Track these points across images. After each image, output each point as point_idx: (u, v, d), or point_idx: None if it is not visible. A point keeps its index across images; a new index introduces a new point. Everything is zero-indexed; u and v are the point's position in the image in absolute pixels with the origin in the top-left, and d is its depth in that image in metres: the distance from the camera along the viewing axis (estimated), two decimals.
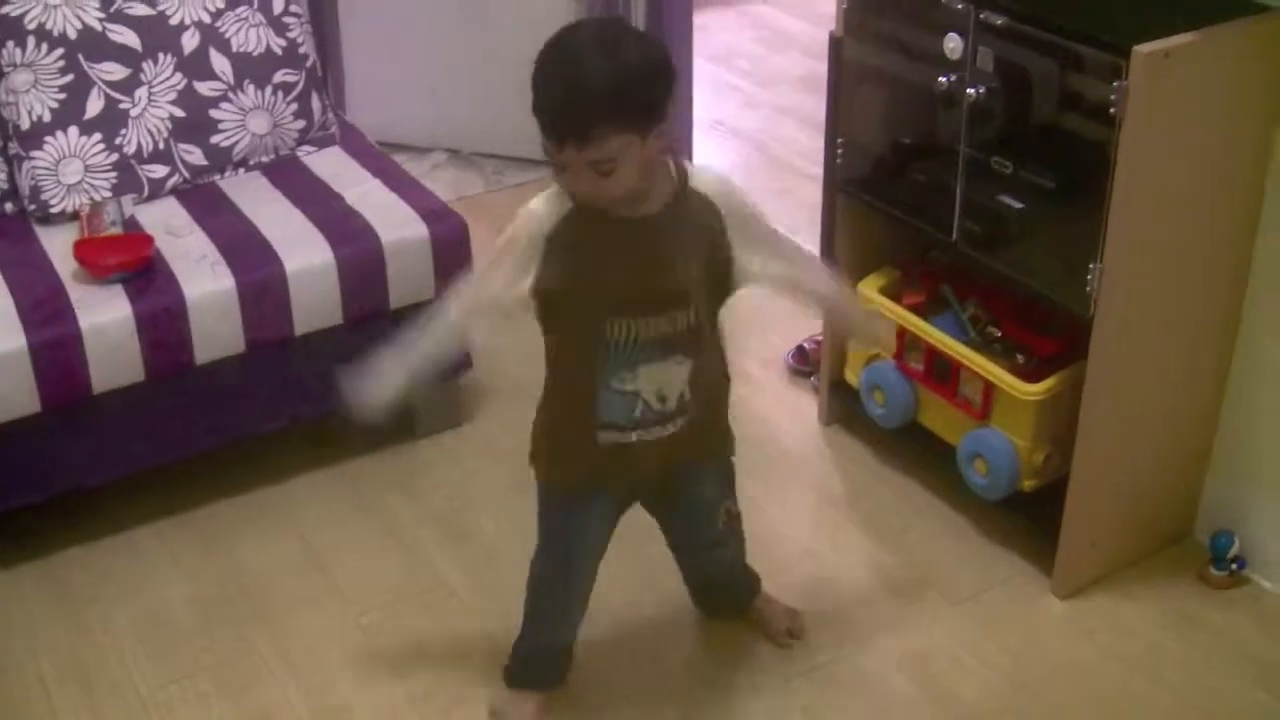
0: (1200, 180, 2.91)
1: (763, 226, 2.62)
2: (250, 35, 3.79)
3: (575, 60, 2.33)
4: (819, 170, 3.58)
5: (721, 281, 2.58)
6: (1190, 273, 3.02)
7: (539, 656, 2.95)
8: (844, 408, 3.73)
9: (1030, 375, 3.18)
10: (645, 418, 2.60)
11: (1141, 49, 2.66)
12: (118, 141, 3.65)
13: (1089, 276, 2.87)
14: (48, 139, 3.60)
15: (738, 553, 3.06)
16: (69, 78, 3.62)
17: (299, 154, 3.91)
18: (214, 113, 3.75)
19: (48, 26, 3.60)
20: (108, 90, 3.65)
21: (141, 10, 3.70)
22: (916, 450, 3.57)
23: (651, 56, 2.35)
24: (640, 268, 2.50)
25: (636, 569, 3.12)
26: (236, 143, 3.78)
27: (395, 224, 3.55)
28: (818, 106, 3.62)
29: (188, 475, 3.57)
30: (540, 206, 2.51)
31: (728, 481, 2.92)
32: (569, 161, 2.33)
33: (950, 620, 3.19)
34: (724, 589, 3.14)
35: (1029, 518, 3.31)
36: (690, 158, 5.17)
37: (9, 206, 3.66)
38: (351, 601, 3.28)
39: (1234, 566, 3.23)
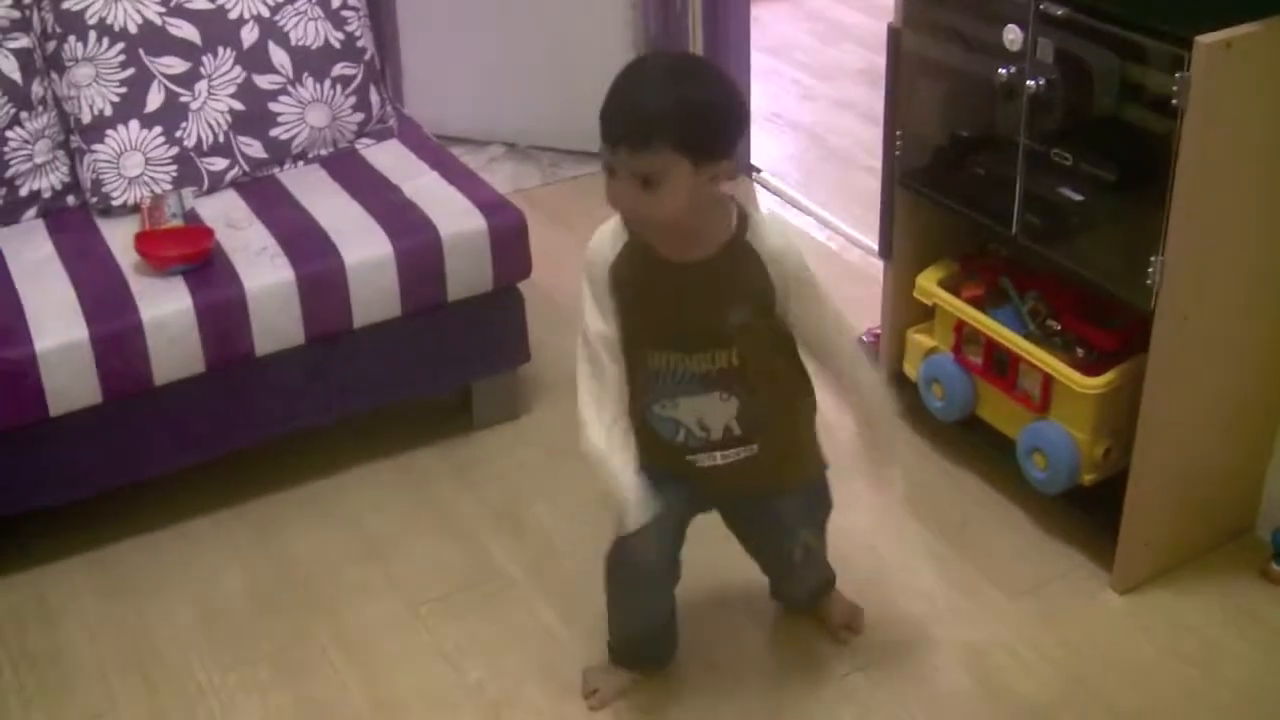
0: (1263, 172, 2.89)
1: (814, 298, 2.61)
2: (309, 29, 3.80)
3: (647, 77, 2.44)
4: (877, 163, 3.57)
5: (781, 327, 2.62)
6: (1252, 266, 2.99)
7: (624, 639, 3.01)
8: (903, 401, 3.72)
9: (1090, 369, 3.16)
10: (691, 444, 2.67)
11: (1203, 39, 2.64)
12: (178, 135, 3.67)
13: (1150, 270, 2.85)
14: (109, 132, 3.62)
15: (813, 575, 3.04)
16: (130, 71, 3.64)
17: (357, 147, 3.93)
18: (273, 106, 3.77)
19: (109, 21, 3.63)
20: (168, 84, 3.67)
21: (201, 4, 3.72)
22: (975, 444, 3.56)
23: (721, 95, 2.44)
24: (679, 310, 2.57)
25: (701, 559, 3.11)
26: (295, 136, 3.80)
27: (453, 216, 3.55)
28: (875, 99, 3.61)
29: (244, 466, 3.59)
30: (603, 241, 2.60)
31: (808, 512, 2.91)
32: (618, 166, 2.39)
33: (1008, 614, 3.18)
34: (798, 598, 3.14)
35: (1088, 512, 3.30)
36: (750, 159, 5.16)
37: (71, 199, 3.68)
38: (409, 592, 3.29)
39: None
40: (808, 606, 3.16)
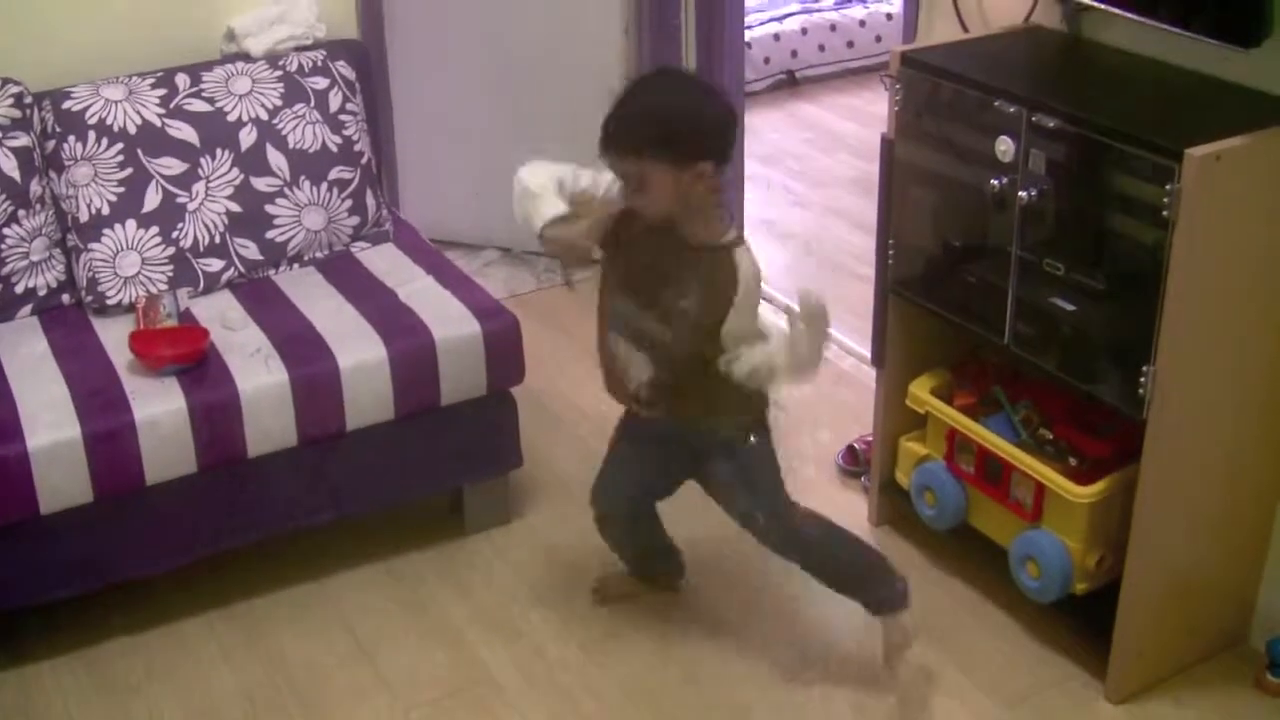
0: (1253, 281, 2.91)
1: (749, 313, 2.88)
2: (307, 132, 3.83)
3: (628, 91, 2.81)
4: (870, 271, 3.59)
5: (714, 333, 2.87)
6: (1245, 375, 3.01)
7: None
8: (895, 508, 3.72)
9: (1082, 477, 3.16)
10: (623, 382, 3.05)
11: (1194, 152, 2.67)
12: (174, 235, 3.69)
13: (1142, 379, 2.86)
14: (106, 231, 3.64)
15: (804, 559, 3.21)
16: (128, 171, 3.67)
17: (353, 250, 3.94)
18: (270, 208, 3.79)
19: (108, 121, 3.66)
20: (166, 184, 3.69)
21: (200, 106, 3.76)
22: (967, 552, 3.55)
23: (692, 101, 2.83)
24: (650, 270, 2.92)
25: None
26: (291, 238, 3.82)
27: (448, 321, 3.56)
28: (868, 207, 3.64)
29: (235, 567, 3.57)
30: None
31: (742, 479, 3.12)
32: (612, 168, 2.80)
33: None
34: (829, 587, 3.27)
35: (1082, 621, 3.29)
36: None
37: (66, 297, 3.69)
38: (399, 696, 3.27)
39: None
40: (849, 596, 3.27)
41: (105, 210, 3.64)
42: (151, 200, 3.69)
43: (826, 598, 3.25)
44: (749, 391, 2.98)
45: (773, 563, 3.27)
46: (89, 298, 3.65)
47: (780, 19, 7.75)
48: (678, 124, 2.75)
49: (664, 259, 2.89)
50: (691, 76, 2.87)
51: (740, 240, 2.89)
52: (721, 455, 3.11)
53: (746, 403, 3.05)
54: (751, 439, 3.09)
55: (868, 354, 3.75)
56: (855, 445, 4.03)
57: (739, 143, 2.94)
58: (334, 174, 3.86)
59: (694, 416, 3.05)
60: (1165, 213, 2.72)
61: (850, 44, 7.85)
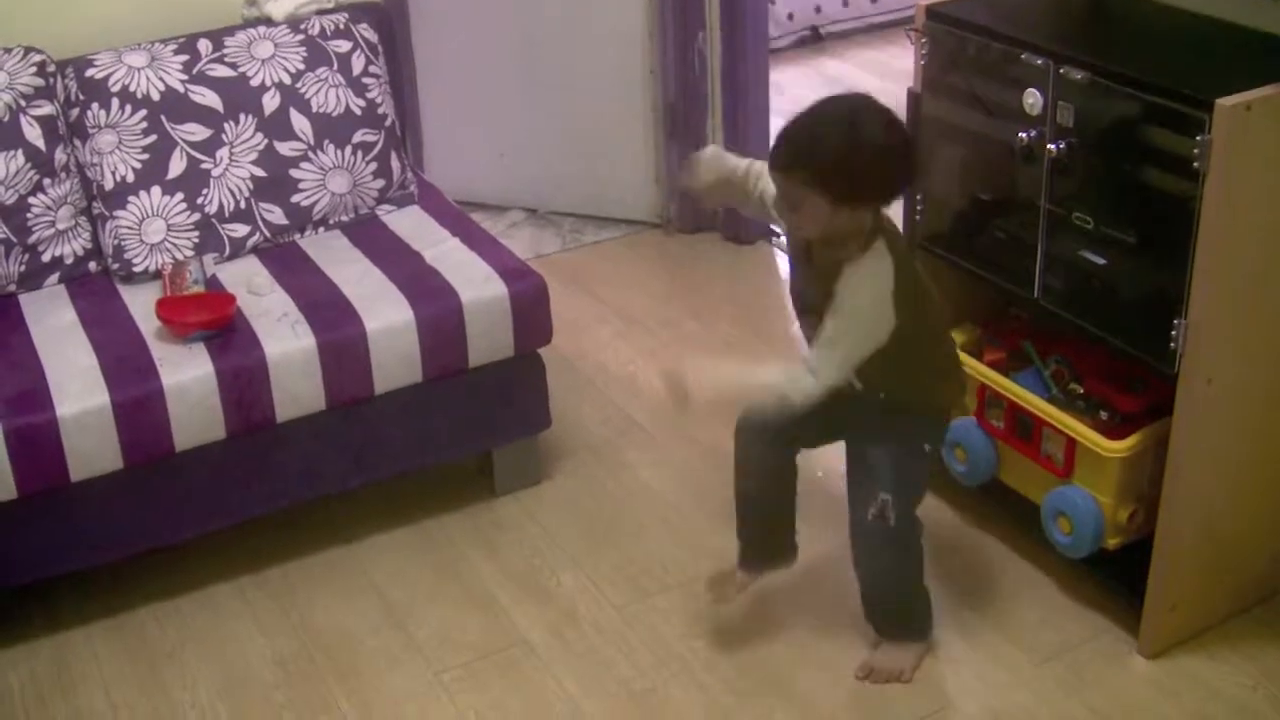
0: None
1: (829, 321, 2.79)
2: (330, 96, 3.82)
3: (809, 114, 2.75)
4: (898, 227, 3.56)
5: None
6: (1275, 327, 2.98)
7: (741, 517, 3.29)
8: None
9: (1114, 432, 3.15)
10: None
11: (1224, 102, 2.64)
12: (199, 201, 3.69)
13: (1173, 333, 2.84)
14: (131, 199, 3.64)
15: (875, 559, 3.10)
16: (152, 138, 3.66)
17: (378, 213, 3.94)
18: (294, 172, 3.79)
19: (131, 88, 3.65)
20: (190, 150, 3.69)
21: (223, 71, 3.75)
22: (999, 508, 3.54)
23: (864, 146, 2.69)
24: (803, 282, 2.93)
25: None
26: (317, 202, 3.82)
27: (474, 282, 3.56)
28: None
29: (266, 532, 3.59)
30: None
31: (893, 472, 3.00)
32: (773, 179, 2.76)
33: (1034, 680, 3.15)
34: (859, 572, 3.16)
35: (1114, 576, 3.28)
36: None
37: (93, 265, 3.70)
38: (431, 659, 3.27)
39: None
40: (866, 613, 3.20)
41: (130, 178, 3.64)
42: (176, 167, 3.68)
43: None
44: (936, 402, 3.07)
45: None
46: (115, 265, 3.65)
47: None
48: (836, 166, 2.67)
49: (812, 275, 2.88)
50: (871, 112, 2.72)
51: (864, 248, 2.79)
52: (890, 443, 3.02)
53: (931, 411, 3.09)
54: (926, 447, 3.08)
55: None
56: None
57: (904, 175, 2.83)
58: (358, 137, 3.85)
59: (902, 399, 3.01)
60: (1195, 164, 2.70)
61: None
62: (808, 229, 2.78)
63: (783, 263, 5.04)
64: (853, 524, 3.07)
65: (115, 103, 3.64)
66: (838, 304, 2.75)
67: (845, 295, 2.75)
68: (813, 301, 2.84)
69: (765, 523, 3.27)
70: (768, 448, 3.16)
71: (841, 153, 2.67)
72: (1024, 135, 3.07)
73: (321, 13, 3.95)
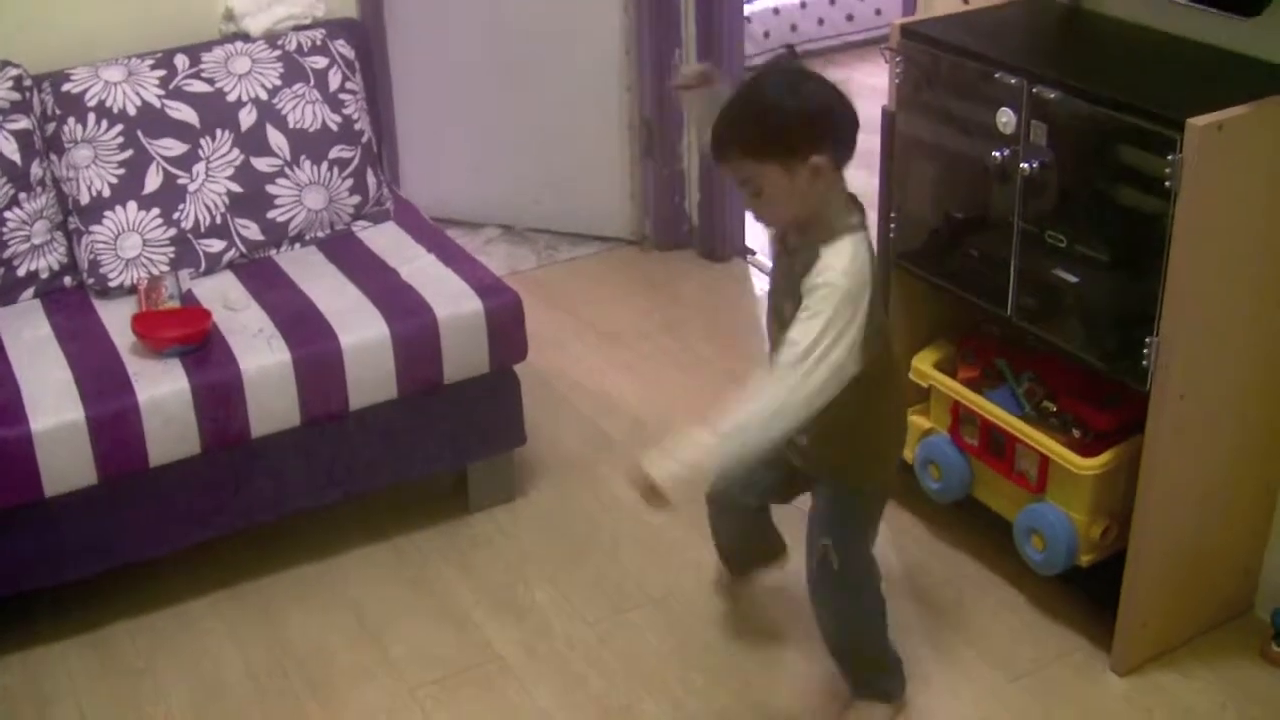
0: (1256, 251, 2.90)
1: (806, 312, 2.57)
2: (307, 112, 3.83)
3: (739, 90, 2.64)
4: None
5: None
6: (1247, 346, 3.00)
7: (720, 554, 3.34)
8: (899, 482, 3.71)
9: (1087, 449, 3.16)
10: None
11: (1195, 121, 2.66)
12: (176, 216, 3.69)
13: (1145, 350, 2.86)
14: (107, 214, 3.64)
15: (826, 610, 3.01)
16: (128, 153, 3.66)
17: (354, 229, 3.94)
18: (270, 188, 3.79)
19: (108, 103, 3.65)
20: (166, 166, 3.69)
21: (200, 87, 3.75)
22: (972, 525, 3.55)
23: (788, 95, 2.57)
24: (774, 286, 2.81)
25: None
26: (293, 218, 3.82)
27: (450, 299, 3.56)
28: (869, 180, 3.61)
29: (240, 548, 3.58)
30: None
31: (831, 514, 2.91)
32: (731, 179, 2.65)
33: (1008, 696, 3.16)
34: (818, 622, 3.07)
35: (1087, 593, 3.29)
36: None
37: (68, 280, 3.69)
38: (405, 675, 3.27)
39: None
40: (836, 667, 3.11)
41: (106, 192, 3.64)
42: (152, 182, 3.68)
43: None
44: (887, 449, 2.95)
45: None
46: (91, 280, 3.64)
47: None
48: (773, 116, 2.55)
49: (780, 270, 2.77)
50: (797, 68, 2.64)
51: (835, 231, 2.63)
52: (831, 487, 2.91)
53: (880, 460, 2.94)
54: (864, 489, 2.92)
55: None
56: None
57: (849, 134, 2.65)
58: (334, 153, 3.86)
59: (838, 466, 2.89)
60: (1167, 183, 2.72)
61: (850, 17, 7.85)
62: (779, 208, 2.62)
63: (759, 279, 5.05)
64: (806, 574, 3.00)
65: (92, 117, 3.64)
66: (812, 279, 2.56)
67: (821, 268, 2.56)
68: (788, 318, 2.62)
69: (747, 561, 3.38)
70: (740, 514, 3.19)
71: (756, 111, 2.57)
72: (997, 154, 3.08)
73: (299, 29, 3.95)
